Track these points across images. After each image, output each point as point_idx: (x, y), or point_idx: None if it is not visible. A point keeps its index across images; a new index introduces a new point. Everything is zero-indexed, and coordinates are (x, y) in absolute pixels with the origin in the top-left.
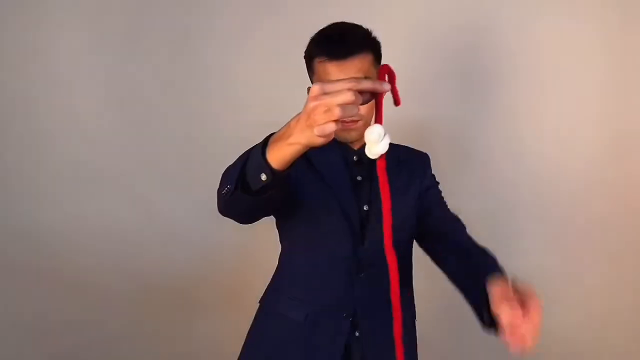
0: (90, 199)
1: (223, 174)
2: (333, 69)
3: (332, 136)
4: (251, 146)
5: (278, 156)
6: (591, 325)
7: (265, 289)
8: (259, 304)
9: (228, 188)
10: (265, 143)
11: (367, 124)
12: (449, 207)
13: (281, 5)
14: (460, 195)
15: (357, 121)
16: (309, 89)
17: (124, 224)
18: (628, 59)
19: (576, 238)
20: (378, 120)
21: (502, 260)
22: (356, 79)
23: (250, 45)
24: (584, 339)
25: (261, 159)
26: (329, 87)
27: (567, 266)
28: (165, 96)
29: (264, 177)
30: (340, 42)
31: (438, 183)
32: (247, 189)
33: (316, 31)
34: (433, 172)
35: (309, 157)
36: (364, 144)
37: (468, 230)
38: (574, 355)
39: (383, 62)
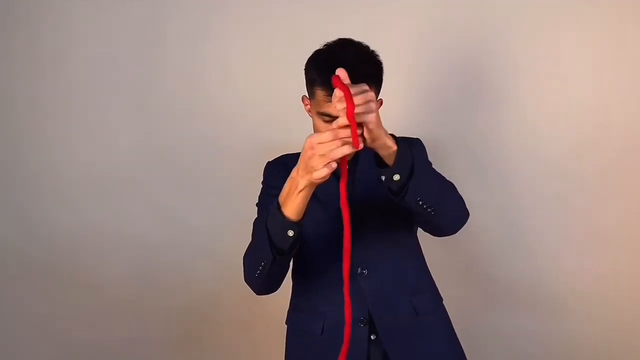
0: (107, 203)
1: (246, 259)
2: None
3: (329, 175)
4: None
5: (293, 208)
6: (610, 328)
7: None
8: (286, 325)
9: (264, 263)
10: (277, 207)
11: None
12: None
13: (285, 14)
14: (476, 199)
15: None
16: (303, 97)
17: (141, 228)
18: None
19: (593, 240)
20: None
21: (519, 261)
22: (335, 129)
23: (263, 50)
24: (602, 342)
25: (282, 218)
26: (322, 139)
27: (583, 268)
28: (180, 101)
29: (291, 233)
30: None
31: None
32: (280, 252)
33: (322, 40)
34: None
35: None
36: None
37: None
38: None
39: (392, 69)
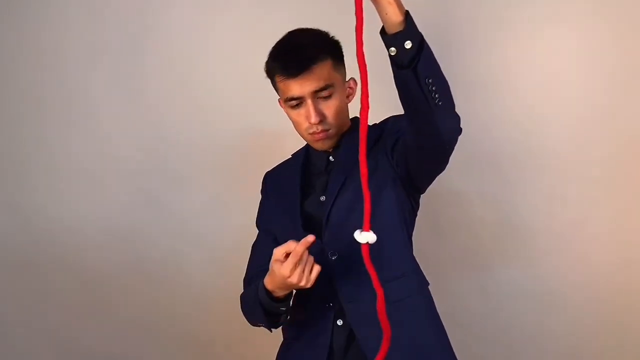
0: (102, 196)
1: (243, 307)
2: (293, 85)
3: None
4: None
5: (283, 292)
6: (603, 330)
7: None
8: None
9: (262, 325)
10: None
11: (339, 130)
12: None
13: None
14: (467, 197)
15: (328, 130)
16: (279, 100)
17: (136, 221)
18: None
19: (591, 234)
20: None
21: (514, 253)
22: (287, 252)
23: (254, 46)
24: (597, 339)
25: (272, 303)
26: (286, 271)
27: (580, 263)
28: (175, 93)
29: (283, 308)
30: (295, 56)
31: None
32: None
33: (316, 23)
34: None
35: (276, 185)
36: (337, 144)
37: None
38: (587, 355)
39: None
